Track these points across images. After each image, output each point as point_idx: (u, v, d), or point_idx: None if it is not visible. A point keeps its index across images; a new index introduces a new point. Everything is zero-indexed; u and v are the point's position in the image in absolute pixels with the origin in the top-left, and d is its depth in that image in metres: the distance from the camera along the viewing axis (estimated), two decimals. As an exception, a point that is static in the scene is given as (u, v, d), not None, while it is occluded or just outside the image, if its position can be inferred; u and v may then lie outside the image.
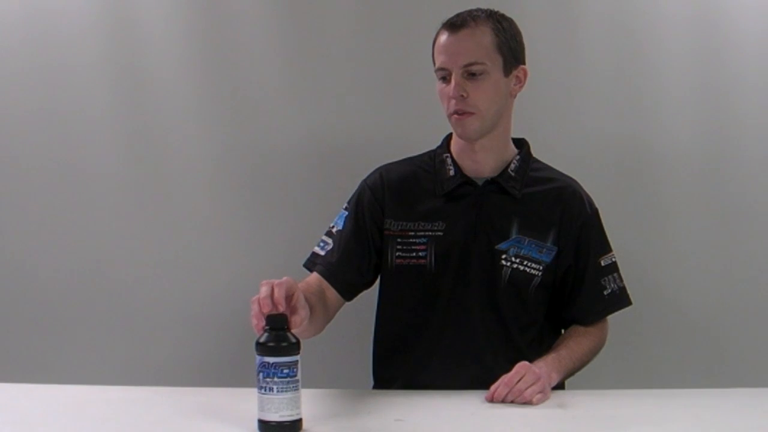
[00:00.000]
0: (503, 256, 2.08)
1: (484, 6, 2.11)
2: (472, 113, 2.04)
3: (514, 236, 2.09)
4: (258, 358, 1.59)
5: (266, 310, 1.63)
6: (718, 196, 2.55)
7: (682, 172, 2.55)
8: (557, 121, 2.53)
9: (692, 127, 2.54)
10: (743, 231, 2.54)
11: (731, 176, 2.54)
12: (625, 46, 2.54)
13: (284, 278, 1.70)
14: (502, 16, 2.09)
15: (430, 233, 2.10)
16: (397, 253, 2.11)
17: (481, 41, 2.04)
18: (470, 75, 2.03)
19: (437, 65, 2.08)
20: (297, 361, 1.60)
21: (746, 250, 2.54)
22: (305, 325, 1.74)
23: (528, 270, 2.09)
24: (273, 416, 1.59)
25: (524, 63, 2.11)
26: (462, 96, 2.03)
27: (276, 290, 1.66)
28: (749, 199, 2.54)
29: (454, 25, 2.05)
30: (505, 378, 1.86)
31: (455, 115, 2.06)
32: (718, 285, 2.54)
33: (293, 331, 1.65)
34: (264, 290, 1.66)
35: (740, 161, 2.54)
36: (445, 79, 2.06)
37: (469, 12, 2.07)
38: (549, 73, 2.48)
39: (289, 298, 1.69)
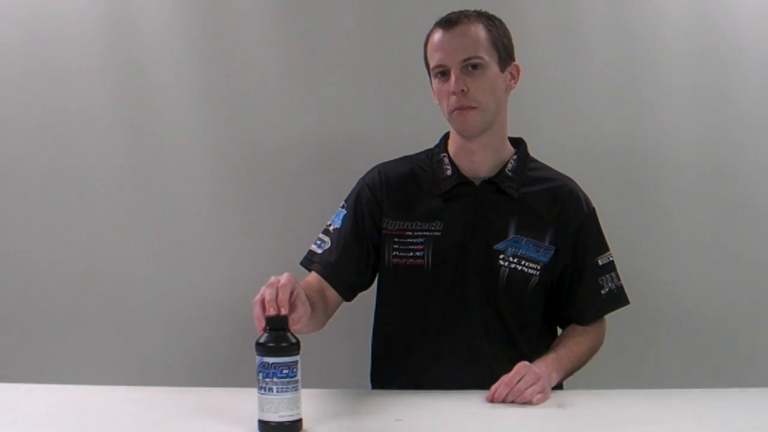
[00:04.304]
0: (501, 256, 2.08)
1: (483, 4, 2.13)
2: (473, 107, 2.05)
3: (511, 236, 2.09)
4: (258, 358, 1.60)
5: (271, 313, 1.63)
6: (715, 196, 2.55)
7: (679, 171, 2.55)
8: (554, 121, 2.53)
9: (690, 125, 2.54)
10: (741, 230, 2.54)
11: (730, 175, 2.54)
12: (623, 44, 2.54)
13: (285, 276, 1.71)
14: (491, 15, 2.12)
15: (428, 233, 2.10)
16: (394, 253, 2.11)
17: (477, 36, 2.06)
18: (469, 70, 2.04)
19: (435, 63, 2.08)
20: (297, 361, 1.60)
21: (745, 249, 2.54)
22: (305, 321, 1.75)
23: (526, 270, 2.09)
24: (273, 416, 1.59)
25: (515, 60, 2.13)
26: (462, 91, 2.03)
27: (280, 292, 1.66)
28: (747, 198, 2.54)
29: (449, 22, 2.07)
30: (505, 378, 1.86)
31: (456, 111, 2.06)
32: (716, 284, 2.54)
33: (293, 327, 1.66)
34: (269, 292, 1.66)
35: (739, 161, 2.54)
36: (444, 75, 2.07)
37: (460, 11, 2.09)
38: (546, 72, 2.49)
39: (289, 295, 1.69)
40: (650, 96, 2.54)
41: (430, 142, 2.21)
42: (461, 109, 2.05)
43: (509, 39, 2.12)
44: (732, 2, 2.51)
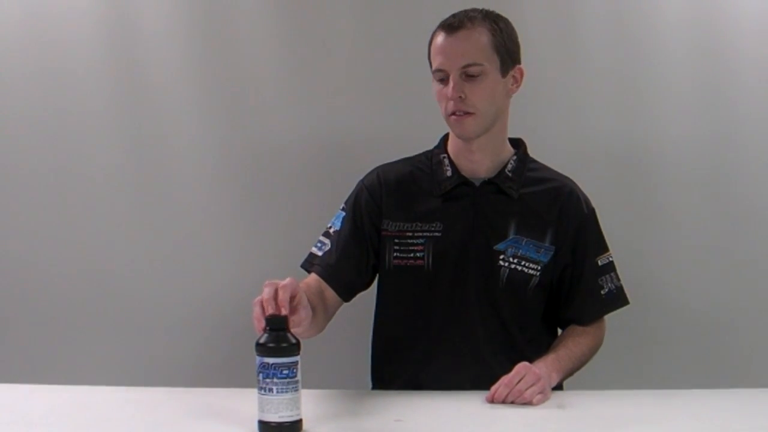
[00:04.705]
0: (501, 257, 2.08)
1: (483, 5, 2.11)
2: (471, 113, 2.04)
3: (511, 236, 2.09)
4: (258, 358, 1.60)
5: (269, 312, 1.63)
6: (716, 196, 2.55)
7: (679, 172, 2.55)
8: (555, 121, 2.53)
9: (690, 126, 2.54)
10: (742, 230, 2.54)
11: (730, 175, 2.54)
12: (624, 45, 2.54)
13: (288, 279, 1.71)
14: (498, 16, 2.09)
15: (428, 234, 2.10)
16: (395, 254, 2.11)
17: (479, 42, 2.04)
18: (468, 76, 2.03)
19: (435, 66, 2.07)
20: (297, 361, 1.60)
21: (745, 249, 2.54)
22: (306, 326, 1.75)
23: (526, 270, 2.09)
24: (273, 417, 1.59)
25: (520, 63, 2.11)
26: (460, 97, 2.03)
27: (280, 292, 1.66)
28: (747, 199, 2.54)
29: (452, 26, 2.05)
30: (505, 379, 1.86)
31: (453, 116, 2.06)
32: (716, 284, 2.54)
33: (294, 330, 1.65)
34: (267, 291, 1.66)
35: (739, 161, 2.54)
36: (443, 80, 2.06)
37: (466, 13, 2.07)
38: (547, 72, 2.48)
39: (290, 298, 1.69)
40: (650, 96, 2.54)
41: (430, 143, 2.21)
42: (458, 114, 2.05)
43: (514, 42, 2.10)
44: (732, 3, 2.51)
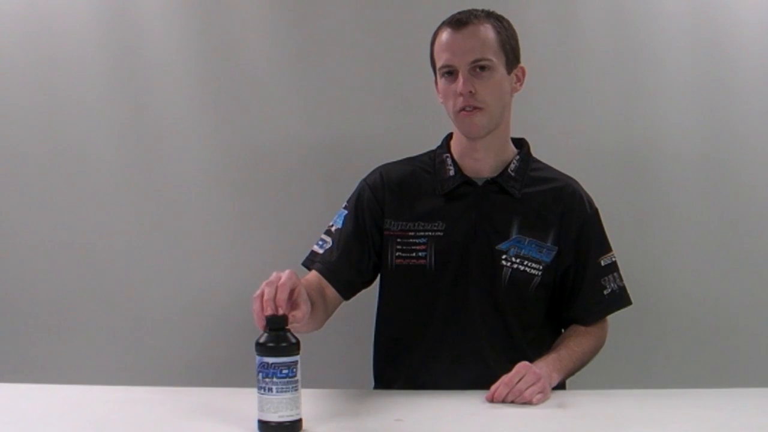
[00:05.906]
0: (503, 256, 2.08)
1: (484, 4, 2.12)
2: (480, 108, 2.04)
3: (514, 236, 2.09)
4: (258, 358, 1.60)
5: (268, 312, 1.63)
6: (718, 195, 2.55)
7: (682, 171, 2.55)
8: (557, 121, 2.53)
9: (692, 125, 2.54)
10: (743, 230, 2.54)
11: (732, 175, 2.54)
12: (625, 45, 2.54)
13: (287, 272, 1.71)
14: (500, 16, 2.11)
15: (430, 233, 2.10)
16: (397, 253, 2.11)
17: (487, 38, 2.05)
18: (477, 71, 2.04)
19: (442, 63, 2.07)
20: (296, 361, 1.60)
21: (746, 249, 2.54)
22: (306, 320, 1.74)
23: (528, 270, 2.09)
24: (272, 416, 1.59)
25: (521, 63, 2.13)
26: (471, 92, 2.03)
27: (279, 292, 1.66)
28: (749, 198, 2.54)
29: (459, 22, 2.06)
30: (505, 378, 1.86)
31: (463, 112, 2.06)
32: (718, 284, 2.54)
33: (295, 325, 1.66)
34: (268, 291, 1.66)
35: (740, 161, 2.54)
36: (450, 75, 2.06)
37: (469, 11, 2.08)
38: (549, 72, 2.48)
39: (290, 293, 1.69)
40: (653, 96, 2.54)
41: (431, 143, 2.21)
42: (467, 110, 2.05)
43: (516, 41, 2.11)
44: (733, 1, 2.51)
